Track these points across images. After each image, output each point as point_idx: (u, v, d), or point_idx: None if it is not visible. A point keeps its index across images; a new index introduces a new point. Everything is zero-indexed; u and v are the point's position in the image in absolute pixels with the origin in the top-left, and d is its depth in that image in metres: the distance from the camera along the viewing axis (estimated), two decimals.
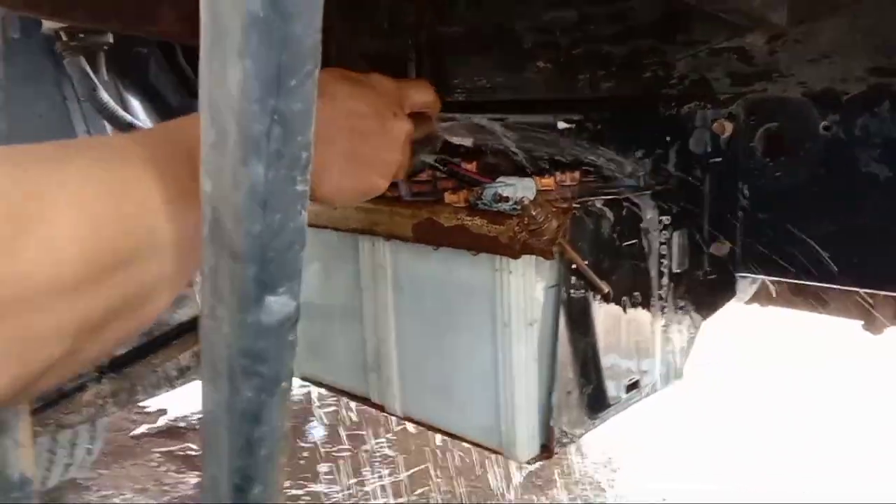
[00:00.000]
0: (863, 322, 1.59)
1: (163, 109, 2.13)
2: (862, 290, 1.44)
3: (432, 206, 1.10)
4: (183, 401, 3.80)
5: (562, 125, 1.44)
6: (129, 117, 1.88)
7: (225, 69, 0.36)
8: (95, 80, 1.84)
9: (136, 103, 2.06)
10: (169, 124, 0.61)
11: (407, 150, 0.89)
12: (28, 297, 0.43)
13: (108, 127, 1.90)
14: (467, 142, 1.52)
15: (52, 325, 0.46)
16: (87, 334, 0.49)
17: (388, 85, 0.87)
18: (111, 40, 1.85)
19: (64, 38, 1.80)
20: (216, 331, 0.46)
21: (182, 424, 3.80)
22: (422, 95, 0.94)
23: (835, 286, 1.19)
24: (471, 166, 1.35)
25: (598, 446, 3.42)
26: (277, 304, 0.44)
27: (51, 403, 1.62)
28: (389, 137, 0.83)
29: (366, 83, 0.83)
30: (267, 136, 0.37)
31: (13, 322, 0.43)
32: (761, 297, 1.71)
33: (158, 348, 1.77)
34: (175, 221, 0.52)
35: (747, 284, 1.56)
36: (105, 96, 1.84)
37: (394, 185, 1.22)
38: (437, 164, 1.25)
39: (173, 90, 2.19)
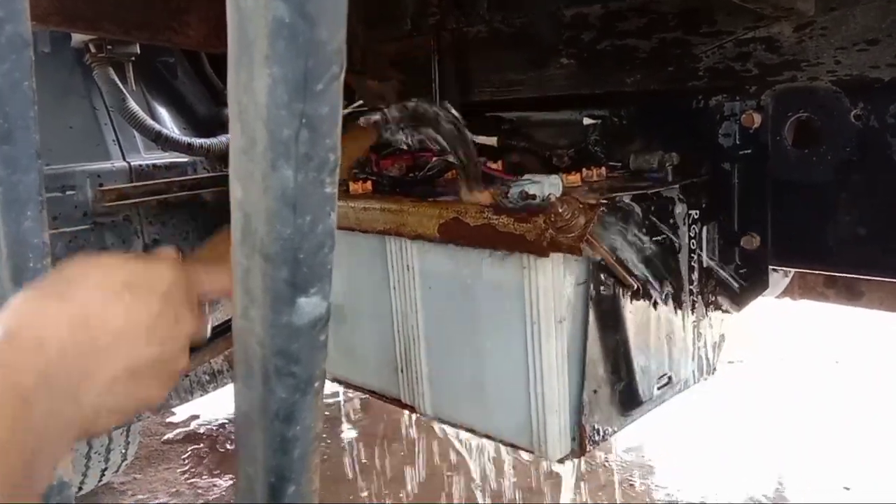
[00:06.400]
0: None
1: (190, 118, 2.16)
2: None
3: (458, 206, 1.10)
4: (215, 405, 3.85)
5: (587, 121, 1.43)
6: (157, 126, 1.91)
7: (252, 76, 0.36)
8: (124, 91, 1.87)
9: (163, 112, 2.09)
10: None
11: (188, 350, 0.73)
12: None
13: (138, 136, 1.93)
14: (492, 141, 1.52)
15: None
16: None
17: (171, 276, 0.68)
18: (138, 51, 1.88)
19: (93, 50, 1.83)
20: (249, 332, 0.47)
21: (214, 428, 3.85)
22: (214, 283, 0.74)
23: (869, 277, 1.17)
24: (496, 165, 1.35)
25: (628, 440, 3.40)
26: (309, 305, 0.44)
27: None
28: (171, 346, 0.67)
29: (142, 284, 0.65)
30: (295, 140, 0.38)
31: None
32: (794, 290, 1.68)
33: (190, 353, 1.79)
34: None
35: (779, 277, 1.54)
36: (134, 106, 1.87)
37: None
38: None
39: (200, 99, 2.22)
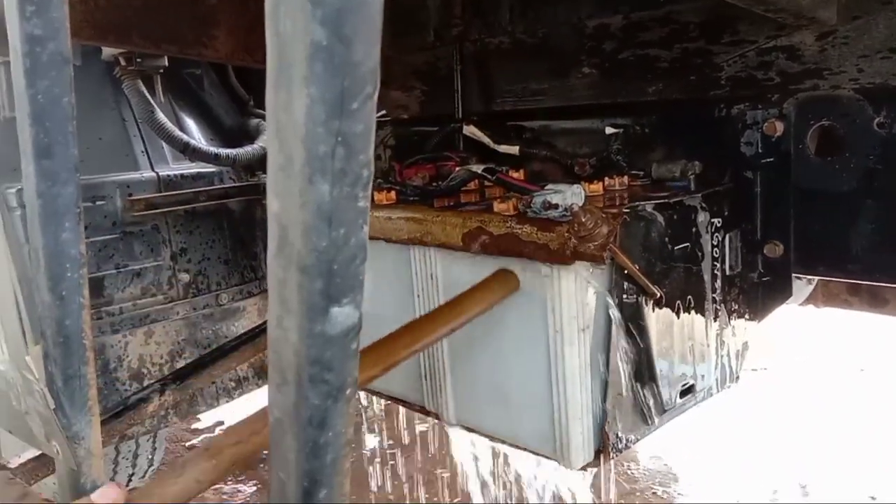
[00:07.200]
0: None
1: (216, 128, 2.19)
2: None
3: (482, 215, 1.12)
4: (240, 411, 3.89)
5: (609, 130, 1.44)
6: (185, 137, 1.94)
7: (291, 96, 0.38)
8: (152, 103, 1.90)
9: (190, 122, 2.13)
10: None
11: None
12: None
13: (166, 147, 1.97)
14: (514, 150, 1.53)
15: None
16: None
17: None
18: (166, 64, 1.92)
19: (122, 63, 1.87)
20: (284, 340, 0.48)
21: None
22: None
23: (893, 285, 1.17)
24: (519, 175, 1.36)
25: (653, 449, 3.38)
26: (342, 315, 0.46)
27: (116, 415, 1.68)
28: None
29: None
30: (332, 157, 0.39)
31: None
32: (817, 297, 1.68)
33: (217, 360, 1.82)
34: None
35: (802, 285, 1.54)
36: (162, 117, 1.91)
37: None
38: (485, 174, 1.27)
39: (226, 109, 2.26)
